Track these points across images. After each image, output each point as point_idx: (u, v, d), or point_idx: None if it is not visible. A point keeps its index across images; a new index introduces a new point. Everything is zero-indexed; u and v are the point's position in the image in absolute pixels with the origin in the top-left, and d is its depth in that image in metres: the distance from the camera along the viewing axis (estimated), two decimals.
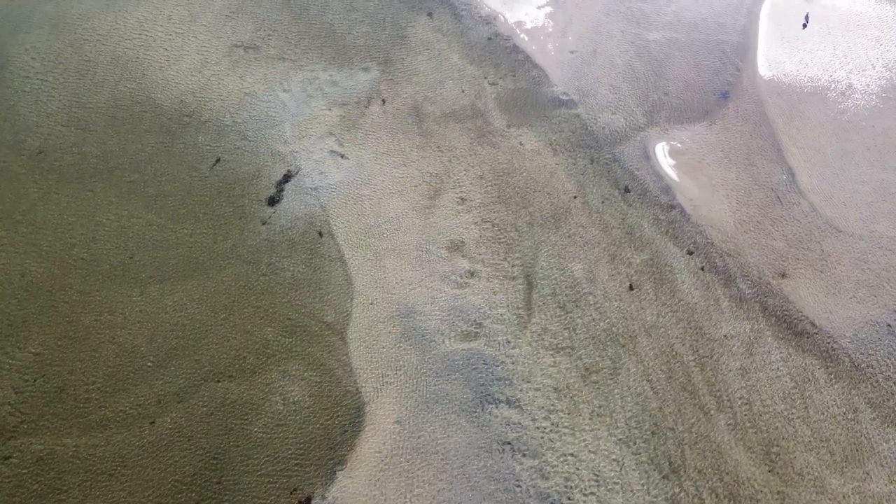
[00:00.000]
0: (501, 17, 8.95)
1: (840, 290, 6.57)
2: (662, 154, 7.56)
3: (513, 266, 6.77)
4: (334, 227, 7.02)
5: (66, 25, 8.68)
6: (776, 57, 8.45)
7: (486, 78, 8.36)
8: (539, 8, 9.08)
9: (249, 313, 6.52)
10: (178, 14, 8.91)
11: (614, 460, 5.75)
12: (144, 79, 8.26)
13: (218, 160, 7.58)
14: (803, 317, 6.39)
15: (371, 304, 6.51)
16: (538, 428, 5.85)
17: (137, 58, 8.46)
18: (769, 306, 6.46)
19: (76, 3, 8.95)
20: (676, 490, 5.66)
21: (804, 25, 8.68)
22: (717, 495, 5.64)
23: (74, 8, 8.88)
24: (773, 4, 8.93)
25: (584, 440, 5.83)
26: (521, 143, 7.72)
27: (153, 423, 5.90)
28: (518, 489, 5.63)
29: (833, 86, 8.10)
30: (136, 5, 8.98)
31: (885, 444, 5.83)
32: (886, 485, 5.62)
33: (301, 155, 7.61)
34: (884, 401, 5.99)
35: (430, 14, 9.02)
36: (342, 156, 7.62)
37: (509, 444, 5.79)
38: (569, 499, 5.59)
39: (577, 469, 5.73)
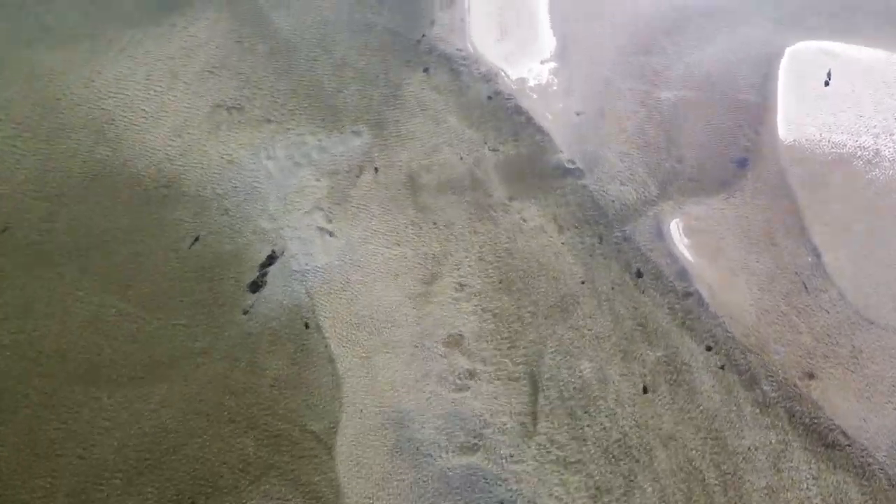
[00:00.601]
0: (502, 74, 8.39)
1: (874, 392, 6.02)
2: (677, 232, 7.00)
3: (516, 365, 6.21)
4: (321, 318, 6.46)
5: (39, 83, 8.13)
6: (797, 119, 7.89)
7: (485, 143, 7.80)
8: (543, 63, 8.52)
9: (227, 421, 5.96)
10: (157, 70, 8.36)
11: None
12: (120, 143, 7.70)
13: (197, 238, 7.02)
14: (834, 426, 5.83)
15: (361, 410, 5.95)
16: None
17: (113, 120, 7.91)
18: (796, 413, 5.90)
19: (50, 57, 8.40)
20: None
21: (826, 83, 8.12)
22: None
23: (48, 62, 8.32)
24: (793, 59, 8.38)
25: None
26: (523, 219, 7.16)
27: None
28: None
29: (859, 152, 7.54)
30: (113, 60, 8.42)
31: None
32: None
33: (286, 233, 7.05)
34: None
35: (426, 70, 8.46)
36: (331, 234, 7.06)
37: None
38: None
39: None
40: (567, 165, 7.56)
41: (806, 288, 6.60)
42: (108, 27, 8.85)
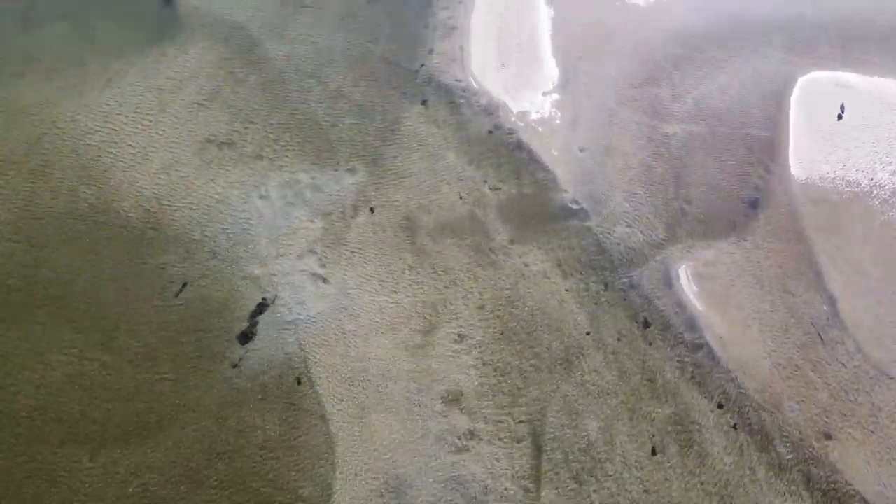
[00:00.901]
0: (503, 107, 8.10)
1: (895, 455, 5.72)
2: (686, 278, 6.71)
3: (518, 423, 5.92)
4: (314, 373, 6.17)
5: (24, 117, 7.85)
6: (810, 155, 7.59)
7: (486, 181, 7.51)
8: (545, 95, 8.22)
9: (214, 486, 5.67)
10: (146, 102, 8.06)
11: None
12: (106, 181, 7.41)
13: (185, 285, 6.72)
14: (854, 491, 5.53)
15: (356, 474, 5.66)
16: None
17: (99, 156, 7.62)
18: (813, 477, 5.61)
19: (36, 89, 8.11)
20: None
21: (839, 116, 7.82)
22: None
23: (34, 95, 8.04)
24: (804, 91, 8.08)
25: None
26: (525, 264, 6.87)
27: None
28: None
29: (875, 191, 7.25)
30: (100, 92, 8.14)
31: None
32: None
33: (278, 279, 6.76)
34: None
35: (424, 102, 8.17)
36: (324, 280, 6.77)
37: None
38: None
39: None
40: (571, 206, 7.27)
41: (821, 339, 6.30)
42: (95, 58, 8.57)
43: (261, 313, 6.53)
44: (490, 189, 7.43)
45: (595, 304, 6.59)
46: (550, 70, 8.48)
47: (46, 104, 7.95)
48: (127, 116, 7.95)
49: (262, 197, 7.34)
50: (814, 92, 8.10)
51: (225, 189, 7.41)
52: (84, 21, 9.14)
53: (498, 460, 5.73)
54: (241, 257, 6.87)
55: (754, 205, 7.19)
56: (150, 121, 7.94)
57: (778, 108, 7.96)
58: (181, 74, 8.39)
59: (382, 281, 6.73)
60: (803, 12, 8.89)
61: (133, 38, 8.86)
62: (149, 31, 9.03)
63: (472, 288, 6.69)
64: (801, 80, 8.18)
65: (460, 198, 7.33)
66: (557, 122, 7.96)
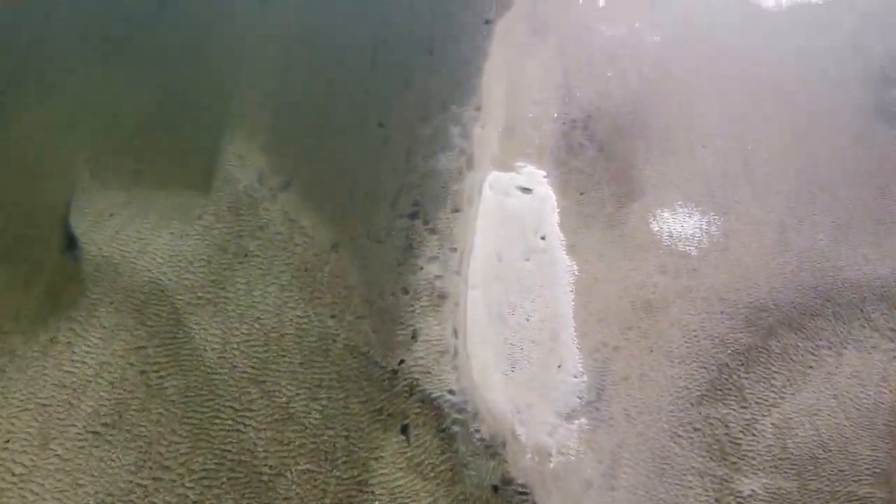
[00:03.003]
0: (514, 440, 5.90)
1: None
2: None
3: None
4: None
5: None
6: None
7: None
8: (570, 419, 6.01)
9: None
10: (22, 430, 5.85)
11: None
12: None
13: None
14: None
15: None
16: None
17: None
18: None
19: None
20: None
21: None
22: None
23: None
24: None
25: None
26: None
27: None
28: None
29: None
30: None
31: None
32: None
33: None
34: None
35: (404, 430, 5.97)
36: None
37: None
38: None
39: None
40: None
41: None
42: None
43: None
44: None
45: None
46: (576, 372, 6.27)
47: None
48: None
49: None
50: None
51: None
52: None
53: None
54: None
55: None
56: (24, 468, 5.74)
57: (893, 446, 5.75)
58: (76, 378, 6.19)
59: None
60: None
61: (19, 304, 6.67)
62: (42, 291, 6.84)
63: None
64: None
65: None
66: (589, 470, 5.75)
